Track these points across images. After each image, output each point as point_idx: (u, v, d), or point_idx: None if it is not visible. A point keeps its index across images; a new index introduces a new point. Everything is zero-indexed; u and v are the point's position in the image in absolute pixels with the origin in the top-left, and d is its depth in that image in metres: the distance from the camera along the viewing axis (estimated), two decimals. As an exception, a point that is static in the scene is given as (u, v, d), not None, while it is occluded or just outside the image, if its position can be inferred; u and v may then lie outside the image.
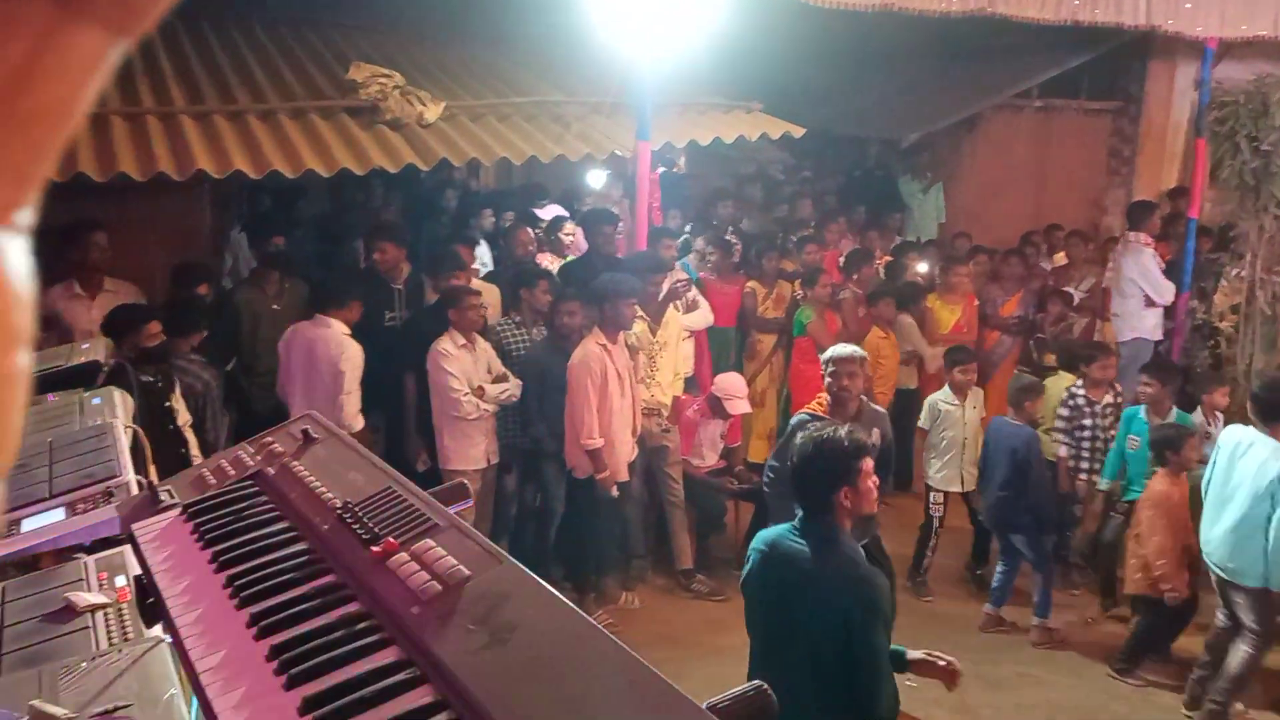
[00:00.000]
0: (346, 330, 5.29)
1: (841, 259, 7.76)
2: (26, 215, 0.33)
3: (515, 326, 5.83)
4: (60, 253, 5.37)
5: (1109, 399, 6.15)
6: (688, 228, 7.88)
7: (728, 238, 7.66)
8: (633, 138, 6.20)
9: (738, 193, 8.98)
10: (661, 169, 8.42)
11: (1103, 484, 5.96)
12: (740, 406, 6.17)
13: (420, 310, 6.00)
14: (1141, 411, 5.79)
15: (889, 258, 8.24)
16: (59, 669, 1.66)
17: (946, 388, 6.20)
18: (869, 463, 3.06)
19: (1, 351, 0.32)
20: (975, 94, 8.96)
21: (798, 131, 7.25)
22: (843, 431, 3.08)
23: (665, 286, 6.18)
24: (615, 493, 5.57)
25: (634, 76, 6.01)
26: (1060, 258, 8.50)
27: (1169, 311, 7.58)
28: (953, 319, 7.56)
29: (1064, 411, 6.17)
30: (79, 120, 0.33)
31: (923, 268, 7.94)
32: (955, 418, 6.14)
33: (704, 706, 0.99)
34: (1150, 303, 7.48)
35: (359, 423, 5.27)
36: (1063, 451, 6.15)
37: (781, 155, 10.14)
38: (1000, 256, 8.06)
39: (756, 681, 1.07)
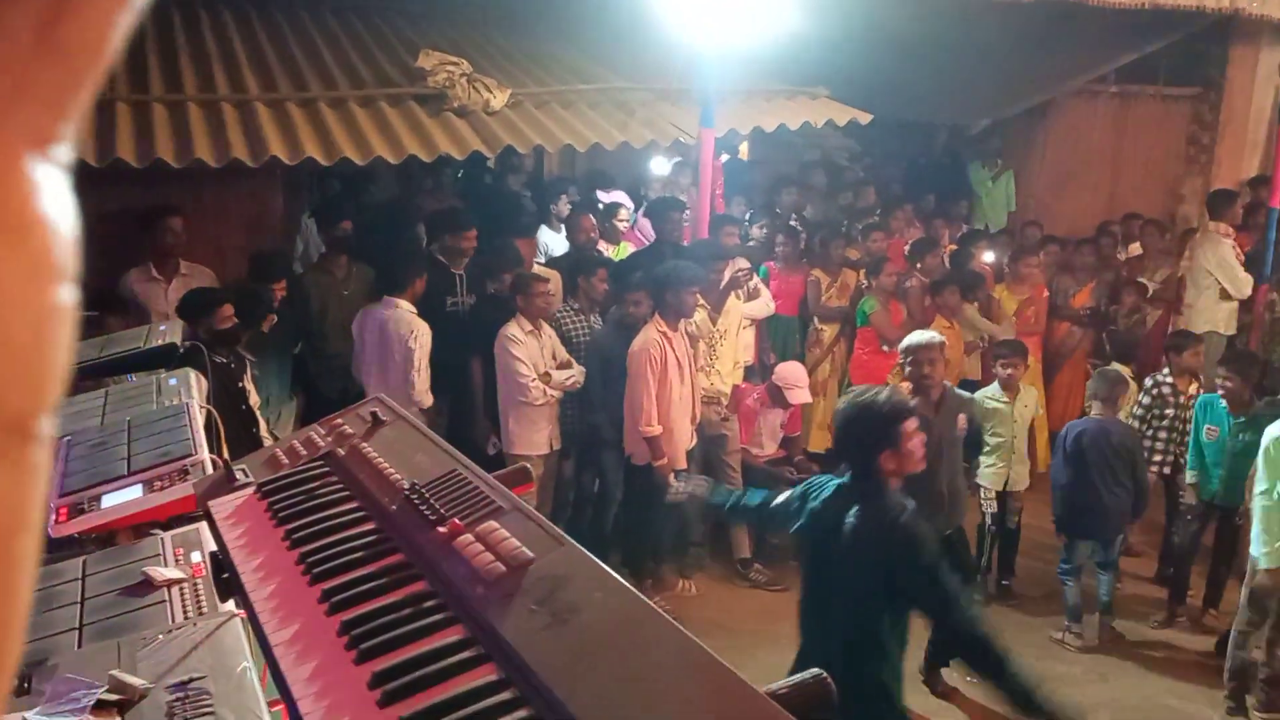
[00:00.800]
0: (414, 310, 5.45)
1: (907, 247, 7.66)
2: (66, 150, 0.34)
3: (574, 313, 5.87)
4: (138, 237, 5.54)
5: (1193, 389, 5.96)
6: (747, 215, 7.83)
7: (792, 224, 7.60)
8: (697, 124, 6.18)
9: (802, 180, 8.90)
10: (725, 156, 8.38)
11: (1190, 476, 5.72)
12: (801, 396, 6.13)
13: (485, 296, 6.07)
14: (1220, 402, 5.60)
15: (955, 246, 8.11)
16: (137, 640, 1.73)
17: (995, 384, 5.98)
18: (911, 423, 3.06)
19: (44, 286, 0.33)
20: (1048, 79, 8.75)
21: (864, 118, 7.16)
22: (883, 395, 3.10)
23: (727, 275, 6.16)
24: (674, 480, 5.59)
25: (698, 63, 5.99)
26: (1135, 248, 8.28)
27: (1247, 305, 7.34)
28: (1020, 309, 7.42)
29: (1145, 400, 5.99)
30: (115, 51, 0.33)
31: (989, 257, 7.80)
32: (1004, 415, 5.84)
33: (764, 692, 0.99)
34: (1226, 295, 7.26)
35: (429, 399, 5.42)
36: None
37: (847, 142, 10.02)
38: (1073, 246, 7.88)
39: (816, 670, 1.07)
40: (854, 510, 3.01)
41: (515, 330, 5.45)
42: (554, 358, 5.62)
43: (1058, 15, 6.61)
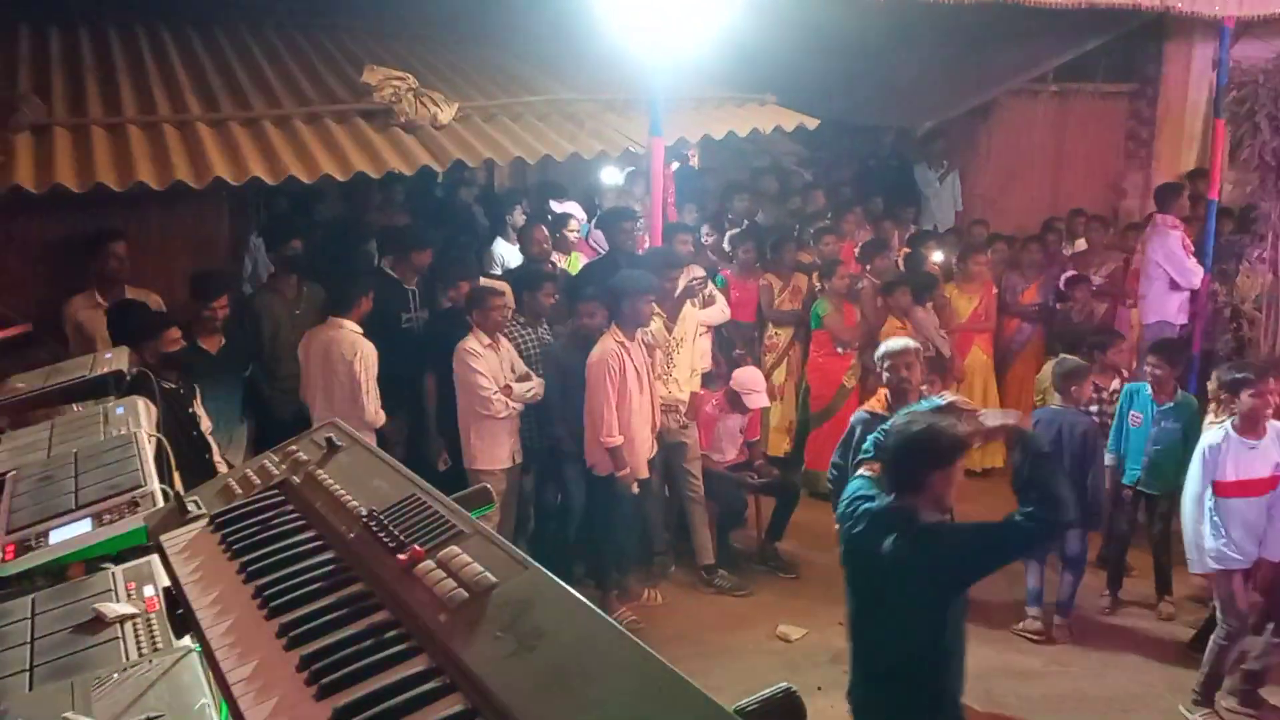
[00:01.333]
0: (359, 330, 5.36)
1: (857, 250, 7.74)
2: None
3: (521, 326, 5.85)
4: (81, 263, 5.42)
5: (1115, 384, 6.08)
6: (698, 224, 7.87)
7: (737, 231, 7.65)
8: (646, 134, 6.19)
9: (753, 186, 8.96)
10: (676, 164, 8.41)
11: (1108, 459, 5.80)
12: (759, 401, 6.16)
13: (438, 312, 6.02)
14: (1146, 389, 5.72)
15: (907, 248, 8.21)
16: (90, 680, 1.68)
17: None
18: (962, 460, 3.15)
19: None
20: (990, 80, 8.90)
21: (811, 123, 7.22)
22: (945, 422, 3.15)
23: (681, 283, 6.18)
24: (636, 490, 5.58)
25: (646, 72, 6.00)
26: (1081, 243, 8.44)
27: (1195, 295, 7.51)
28: (970, 307, 7.53)
29: None
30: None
31: (938, 257, 7.91)
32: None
33: (732, 710, 0.99)
34: (1175, 286, 7.42)
35: (381, 419, 5.33)
36: None
37: (795, 147, 10.11)
38: (1020, 243, 8.01)
39: (785, 684, 1.07)
40: (894, 533, 3.06)
41: (474, 344, 5.41)
42: (513, 370, 5.59)
43: (996, 16, 6.72)
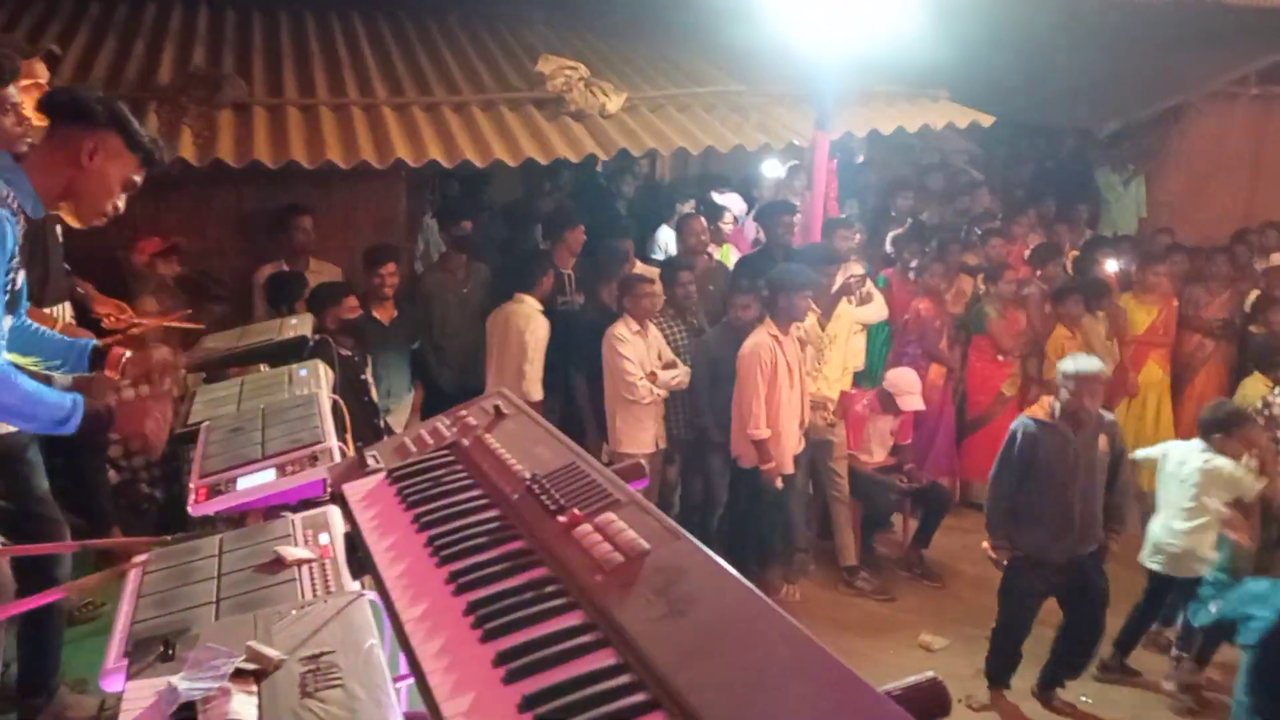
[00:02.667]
0: (539, 307, 5.68)
1: (1027, 253, 7.44)
2: None
3: (669, 319, 5.90)
4: (272, 234, 5.81)
5: None
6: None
7: (900, 230, 7.48)
8: (812, 127, 6.14)
9: (918, 183, 8.73)
10: (838, 157, 8.29)
11: None
12: (912, 403, 6.03)
13: (593, 296, 6.15)
14: None
15: (1077, 253, 7.83)
16: (271, 615, 1.82)
17: None
18: None
19: None
20: (1185, 81, 8.37)
21: (986, 120, 6.99)
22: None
23: (839, 280, 6.10)
24: (779, 484, 5.56)
25: (814, 65, 5.95)
26: (1276, 257, 7.85)
27: None
28: (1148, 320, 7.12)
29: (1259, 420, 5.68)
30: None
31: (1113, 265, 7.50)
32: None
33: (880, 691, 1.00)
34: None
35: (537, 392, 5.59)
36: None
37: (967, 146, 9.78)
38: (1204, 255, 7.52)
39: (931, 673, 1.07)
40: None
41: (622, 330, 5.52)
42: (659, 357, 5.67)
43: (1196, 15, 6.32)
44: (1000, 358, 6.79)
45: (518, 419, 1.72)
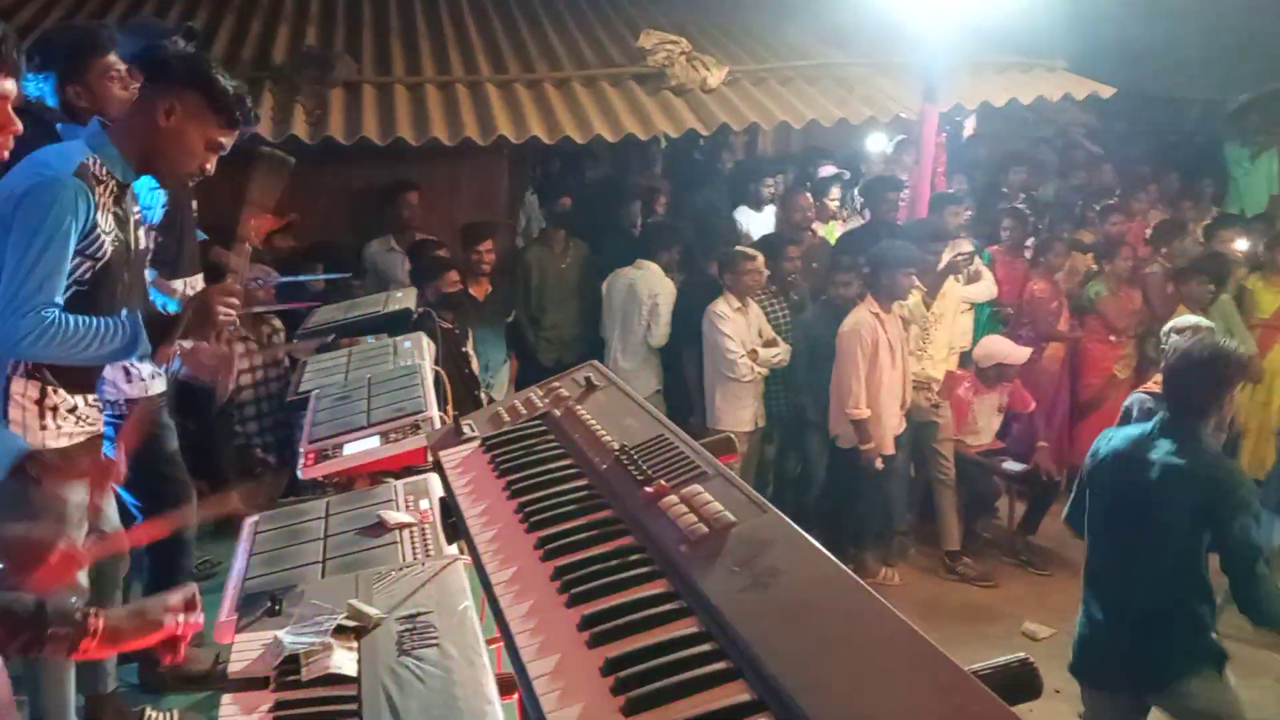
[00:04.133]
0: (662, 273, 5.87)
1: (1148, 231, 7.12)
2: None
3: (771, 295, 5.85)
4: (380, 210, 5.97)
5: None
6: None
7: (1018, 206, 7.23)
8: (920, 100, 5.98)
9: (1032, 157, 8.42)
10: (947, 131, 8.05)
11: None
12: (1018, 355, 5.85)
13: (693, 273, 6.14)
14: None
15: (1200, 231, 7.45)
16: (372, 575, 1.90)
17: None
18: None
19: None
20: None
21: (1106, 91, 6.70)
22: (1231, 345, 3.31)
23: (945, 257, 5.95)
24: (879, 465, 5.48)
25: (922, 35, 5.78)
26: None
27: None
28: (1276, 302, 6.73)
29: None
30: None
31: (1242, 244, 7.10)
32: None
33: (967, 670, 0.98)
34: None
35: (664, 341, 5.87)
36: None
37: (1085, 118, 9.40)
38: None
39: (1022, 655, 1.05)
40: (1168, 448, 3.18)
41: (723, 307, 5.50)
42: (760, 335, 5.63)
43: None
44: (1113, 338, 6.53)
45: (609, 391, 1.74)
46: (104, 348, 2.38)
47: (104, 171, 2.44)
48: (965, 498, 5.99)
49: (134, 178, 2.54)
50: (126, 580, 3.13)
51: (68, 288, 2.36)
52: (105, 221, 2.42)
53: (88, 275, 2.41)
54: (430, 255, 5.36)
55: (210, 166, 2.54)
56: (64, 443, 2.47)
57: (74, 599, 2.58)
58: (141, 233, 2.75)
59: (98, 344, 2.36)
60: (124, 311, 2.47)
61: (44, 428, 2.44)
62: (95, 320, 2.37)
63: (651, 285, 5.84)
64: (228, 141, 2.54)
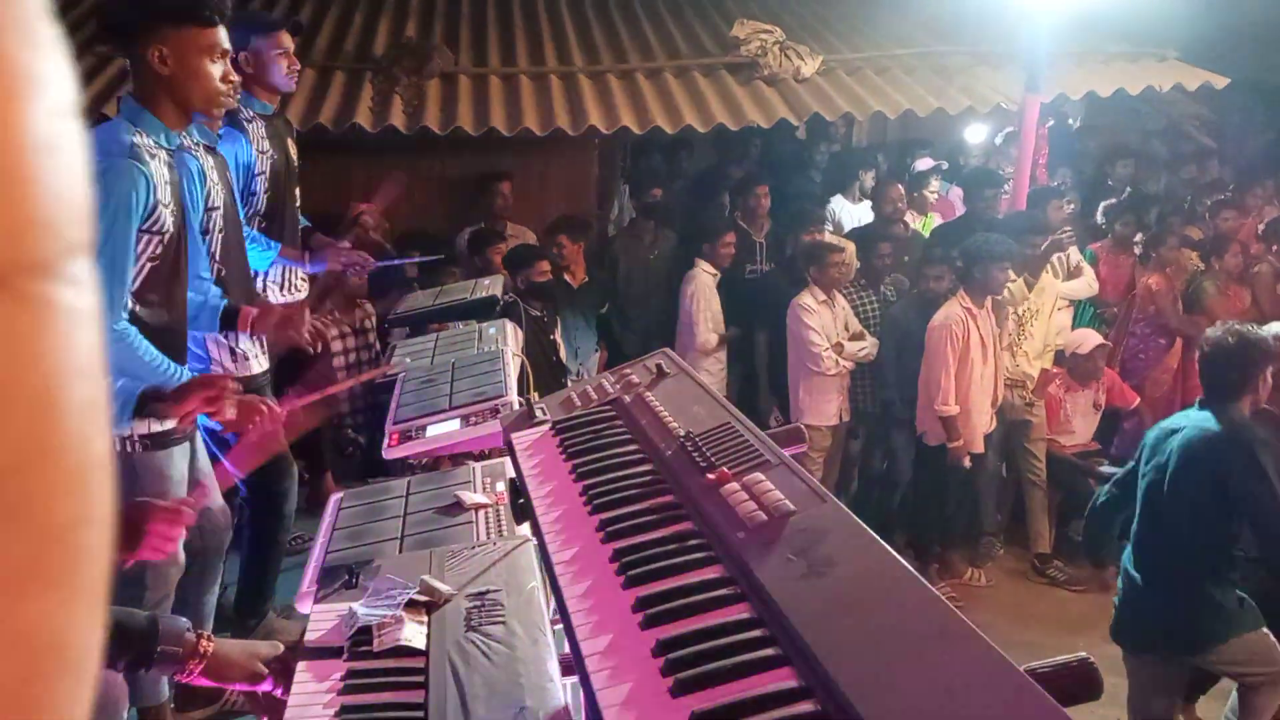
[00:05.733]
0: (710, 271, 5.76)
1: (1261, 227, 6.79)
2: None
3: (859, 288, 5.75)
4: (473, 199, 6.08)
5: None
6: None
7: (1114, 201, 6.97)
8: (1022, 89, 5.81)
9: (1140, 150, 8.10)
10: (1051, 122, 7.81)
11: None
12: (1087, 343, 5.68)
13: (780, 264, 6.09)
14: None
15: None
16: (446, 553, 1.95)
17: None
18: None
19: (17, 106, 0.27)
20: None
21: (1220, 82, 6.41)
22: (1270, 332, 3.53)
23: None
24: (967, 463, 5.36)
25: (1025, 23, 5.62)
26: None
27: None
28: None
29: None
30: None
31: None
32: None
33: (1022, 670, 0.96)
34: None
35: (713, 342, 5.72)
36: None
37: (1198, 109, 8.99)
38: None
39: (1082, 654, 1.02)
40: (1200, 418, 3.37)
41: (808, 299, 5.44)
42: (846, 328, 5.55)
43: None
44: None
45: (678, 378, 1.75)
46: (141, 377, 2.49)
47: (152, 143, 2.53)
48: (1058, 499, 5.82)
49: (176, 142, 2.61)
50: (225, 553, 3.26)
51: (142, 267, 2.49)
52: (165, 194, 2.51)
53: (158, 250, 2.52)
54: (522, 247, 5.45)
55: (234, 77, 2.58)
56: (158, 428, 2.62)
57: (174, 570, 2.72)
58: (219, 191, 2.86)
59: (141, 372, 2.49)
60: (200, 307, 2.67)
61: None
62: (159, 357, 2.52)
63: (688, 285, 5.77)
64: (225, 44, 2.55)
